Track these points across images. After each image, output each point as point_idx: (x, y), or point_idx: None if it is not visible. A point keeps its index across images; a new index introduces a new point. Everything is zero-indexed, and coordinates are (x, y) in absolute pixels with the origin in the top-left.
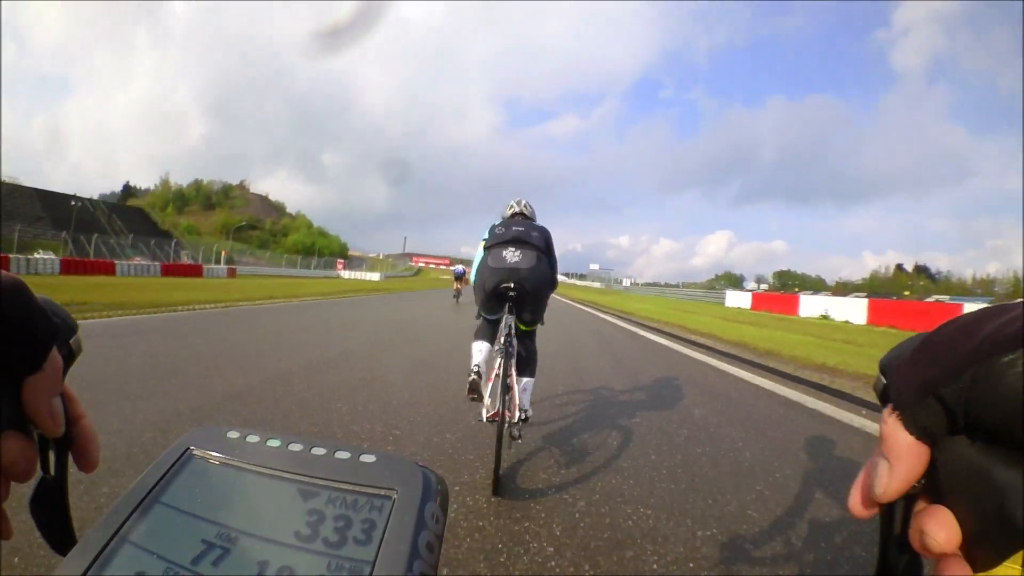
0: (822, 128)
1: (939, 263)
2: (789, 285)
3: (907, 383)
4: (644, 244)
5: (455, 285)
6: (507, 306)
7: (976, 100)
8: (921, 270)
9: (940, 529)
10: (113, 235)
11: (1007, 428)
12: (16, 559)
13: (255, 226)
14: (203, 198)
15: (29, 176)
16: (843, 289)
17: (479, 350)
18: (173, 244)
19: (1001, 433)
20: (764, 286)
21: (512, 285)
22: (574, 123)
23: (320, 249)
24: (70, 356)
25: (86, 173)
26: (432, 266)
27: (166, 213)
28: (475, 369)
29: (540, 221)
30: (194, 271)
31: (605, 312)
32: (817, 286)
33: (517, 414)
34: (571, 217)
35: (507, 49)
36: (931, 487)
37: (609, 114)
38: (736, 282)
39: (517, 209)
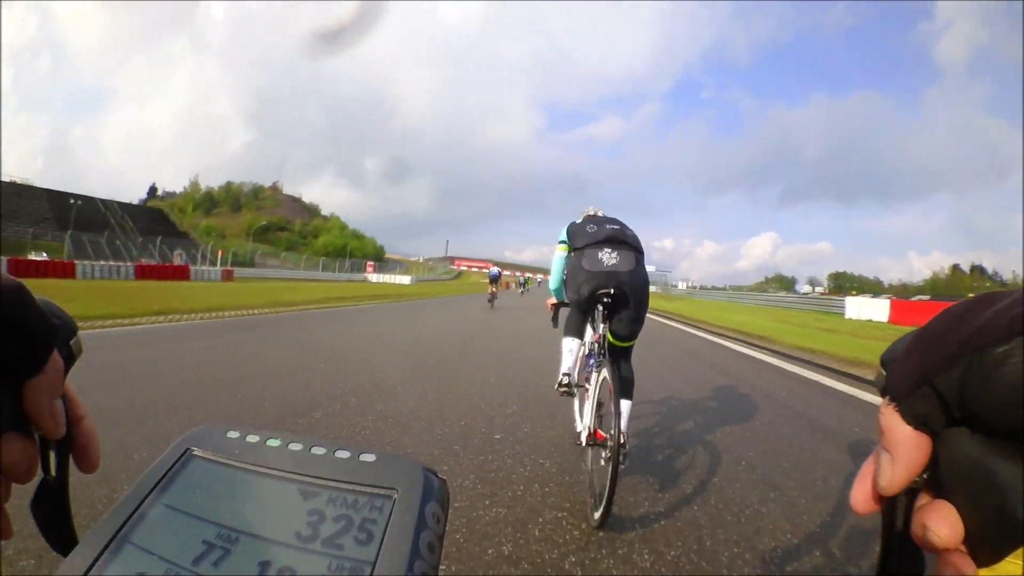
0: (865, 125)
1: (984, 261)
2: (845, 287)
3: (902, 374)
4: (688, 247)
5: (491, 288)
6: (601, 313)
7: (1017, 93)
8: (977, 269)
9: (942, 524)
10: (122, 235)
11: (1003, 418)
12: (18, 560)
13: (284, 227)
14: (231, 200)
15: (72, 183)
16: (905, 291)
17: (569, 349)
18: (182, 245)
19: (998, 423)
20: (819, 288)
21: (612, 291)
22: (615, 125)
23: (352, 251)
24: (70, 358)
25: (129, 180)
26: (475, 269)
27: (186, 215)
28: (565, 376)
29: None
30: (179, 273)
31: (697, 327)
32: (875, 288)
33: (621, 438)
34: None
35: (546, 52)
36: (933, 482)
37: (650, 116)
38: (788, 284)
39: (592, 211)
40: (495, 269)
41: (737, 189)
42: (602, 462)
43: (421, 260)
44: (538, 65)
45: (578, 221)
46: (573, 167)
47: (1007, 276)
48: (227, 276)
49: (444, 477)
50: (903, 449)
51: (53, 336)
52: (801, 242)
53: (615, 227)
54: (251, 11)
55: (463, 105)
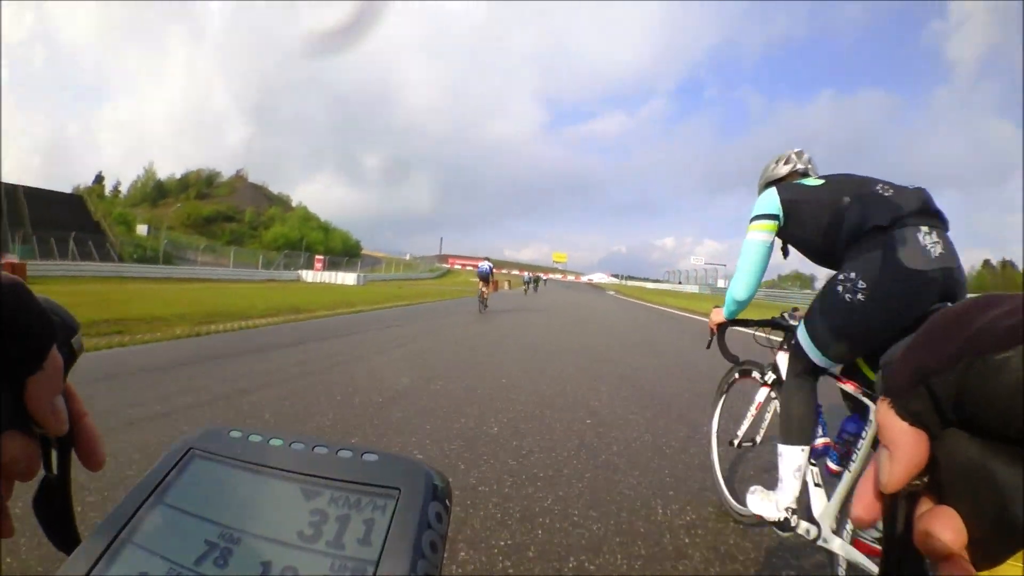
0: (871, 123)
1: (992, 258)
2: None
3: (901, 372)
4: (688, 246)
5: (481, 288)
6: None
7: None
8: (1010, 264)
9: (946, 530)
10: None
11: (1001, 423)
12: (19, 558)
13: (232, 217)
14: (180, 189)
15: (60, 180)
16: None
17: (796, 468)
18: (93, 238)
19: (996, 427)
20: (819, 282)
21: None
22: (618, 124)
23: (312, 245)
24: (71, 355)
25: (122, 177)
26: (471, 268)
27: (115, 204)
28: (789, 514)
29: (586, 225)
30: None
31: None
32: None
33: None
34: (614, 219)
35: (550, 48)
36: (933, 486)
37: (655, 114)
38: (807, 283)
39: (800, 165)
40: (485, 264)
41: (742, 187)
42: None
43: (408, 258)
44: (542, 60)
45: (788, 169)
46: (576, 165)
47: None
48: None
49: (447, 477)
50: (902, 445)
51: (53, 333)
52: None
53: (917, 191)
54: (253, 6)
55: (464, 100)
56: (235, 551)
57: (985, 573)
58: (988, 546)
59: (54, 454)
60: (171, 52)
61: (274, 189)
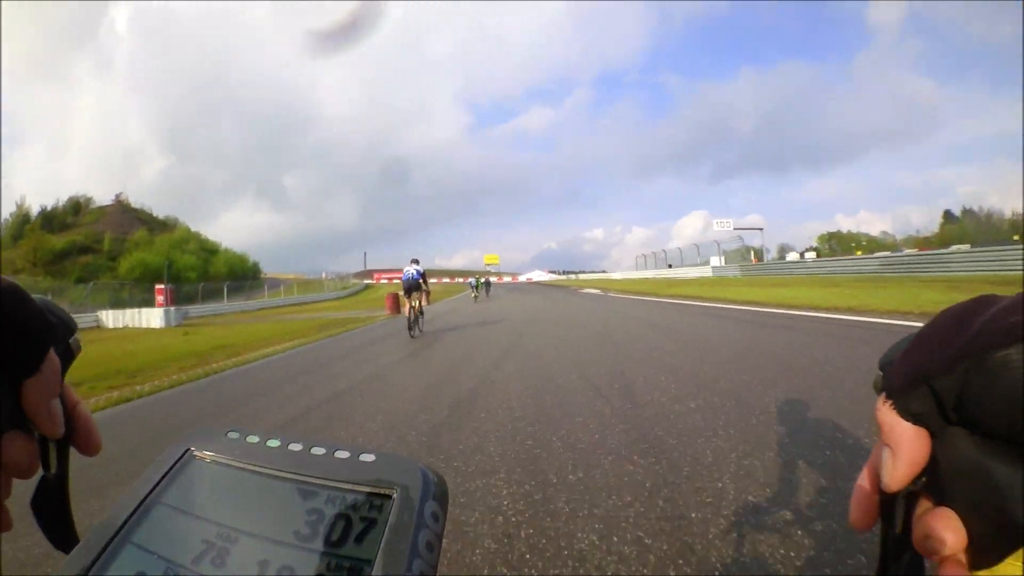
0: (795, 94)
1: (913, 216)
2: (852, 248)
3: (901, 373)
4: (618, 235)
5: (409, 303)
6: None
7: (944, 50)
8: (968, 213)
9: (946, 531)
10: None
11: (1002, 422)
12: (18, 558)
13: (88, 248)
14: (45, 223)
15: None
16: (926, 243)
17: None
18: None
19: (997, 427)
20: (811, 254)
21: None
22: (540, 119)
23: (183, 271)
24: (69, 355)
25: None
26: (397, 281)
27: None
28: None
29: (515, 225)
30: None
31: None
32: (889, 246)
33: None
34: (544, 215)
35: (466, 46)
36: (931, 485)
37: (577, 106)
38: (734, 257)
39: None
40: (412, 269)
41: (668, 170)
42: None
43: (324, 276)
44: (459, 62)
45: None
46: (502, 164)
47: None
48: None
49: (443, 476)
50: (903, 444)
51: (50, 336)
52: (733, 216)
53: None
54: (153, 22)
55: (384, 109)
56: (232, 551)
57: (984, 573)
58: (987, 546)
59: (52, 453)
60: (78, 84)
61: (193, 221)
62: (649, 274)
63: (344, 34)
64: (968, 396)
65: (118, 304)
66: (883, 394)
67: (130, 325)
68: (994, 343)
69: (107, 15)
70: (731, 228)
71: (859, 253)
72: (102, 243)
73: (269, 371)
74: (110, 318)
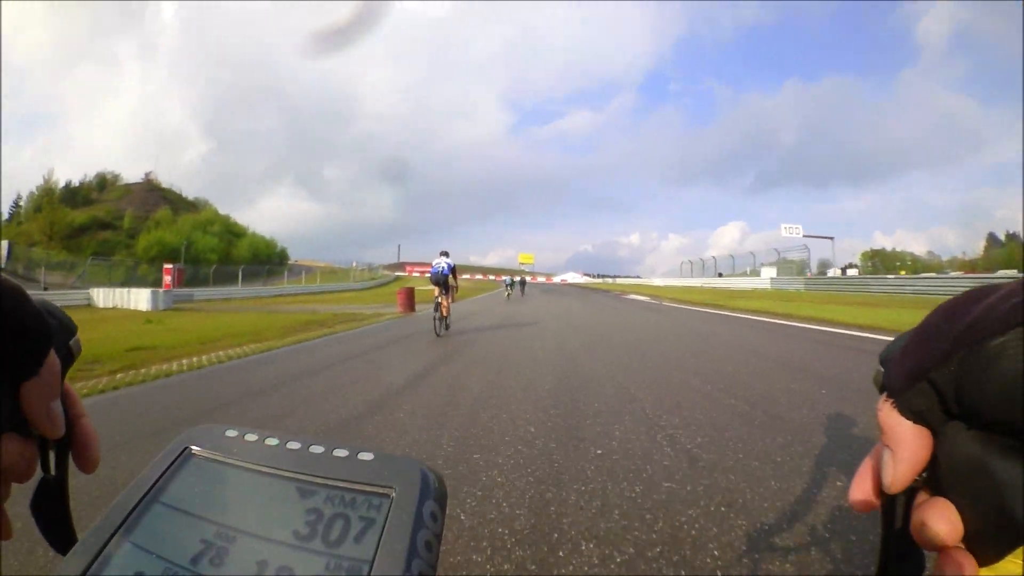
0: (838, 109)
1: (947, 237)
2: (896, 267)
3: (899, 370)
4: (654, 241)
5: (437, 298)
6: None
7: (987, 70)
8: (1012, 238)
9: (941, 521)
10: None
11: (1001, 412)
12: (17, 559)
13: (109, 224)
14: (69, 197)
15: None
16: (974, 267)
17: None
18: None
19: (996, 417)
20: (853, 271)
21: None
22: (582, 122)
23: (202, 253)
24: (69, 357)
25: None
26: (429, 275)
27: None
28: None
29: (551, 226)
30: None
31: None
32: (934, 267)
33: None
34: (581, 218)
35: (511, 47)
36: (933, 480)
37: (620, 110)
38: (787, 269)
39: None
40: (442, 262)
41: (708, 179)
42: None
43: (355, 266)
44: (505, 60)
45: None
46: (541, 165)
47: None
48: None
49: (442, 476)
50: (905, 444)
51: (50, 338)
52: (770, 229)
53: None
54: (201, 13)
55: (427, 105)
56: (231, 550)
57: (985, 570)
58: (988, 541)
59: (51, 455)
60: (121, 64)
61: (229, 205)
62: (694, 282)
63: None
64: (966, 386)
65: (130, 282)
66: (883, 394)
67: (119, 306)
68: (988, 331)
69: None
70: (800, 235)
71: (903, 273)
72: (123, 220)
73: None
74: (101, 296)
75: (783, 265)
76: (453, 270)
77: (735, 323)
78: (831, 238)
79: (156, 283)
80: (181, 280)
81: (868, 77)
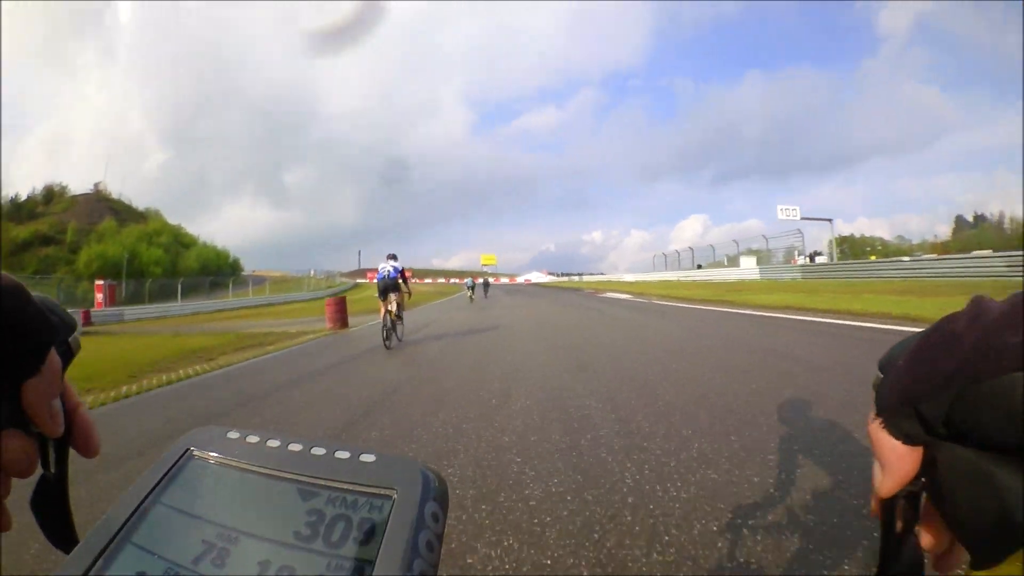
0: (800, 100)
1: (910, 224)
2: (867, 252)
3: (892, 391)
4: (616, 238)
5: (386, 307)
6: None
7: (952, 59)
8: (981, 219)
9: (940, 523)
10: None
11: (993, 443)
12: (18, 558)
13: (51, 239)
14: (13, 211)
15: None
16: (946, 248)
17: None
18: None
19: (987, 446)
20: (821, 258)
21: None
22: (546, 120)
23: (146, 266)
24: (69, 354)
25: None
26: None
27: None
28: None
29: (513, 226)
30: None
31: None
32: (905, 251)
33: None
34: (543, 217)
35: (469, 45)
36: (931, 486)
37: (581, 108)
38: (765, 258)
39: None
40: (388, 266)
41: (671, 174)
42: None
43: (312, 274)
44: (464, 59)
45: None
46: (504, 165)
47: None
48: None
49: (443, 476)
50: (892, 461)
51: (51, 336)
52: (732, 222)
53: None
54: (157, 14)
55: (382, 108)
56: (232, 551)
57: (984, 573)
58: (986, 544)
59: (51, 452)
60: (80, 72)
61: (185, 215)
62: (669, 275)
63: (346, 33)
64: (958, 419)
65: (68, 303)
66: (873, 411)
67: None
68: (986, 370)
69: (111, 5)
70: (798, 216)
71: (873, 257)
72: (65, 234)
73: None
74: None
75: (763, 255)
76: (402, 273)
77: (786, 328)
78: (829, 220)
79: (91, 302)
80: (114, 298)
81: (827, 67)
